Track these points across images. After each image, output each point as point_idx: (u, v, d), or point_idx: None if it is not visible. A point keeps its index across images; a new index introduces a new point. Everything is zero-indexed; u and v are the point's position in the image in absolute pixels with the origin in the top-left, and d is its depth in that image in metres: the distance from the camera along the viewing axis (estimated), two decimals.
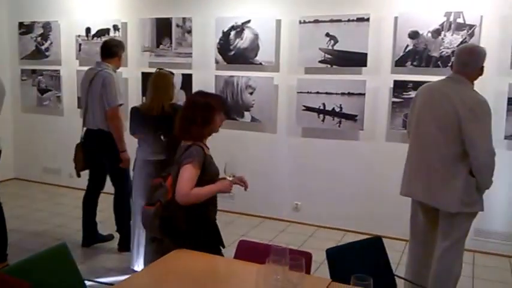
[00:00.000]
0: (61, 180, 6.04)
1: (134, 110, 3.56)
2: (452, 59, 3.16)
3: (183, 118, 2.49)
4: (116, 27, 5.47)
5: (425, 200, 2.90)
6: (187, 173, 2.31)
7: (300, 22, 4.59)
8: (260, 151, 4.96)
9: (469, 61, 2.80)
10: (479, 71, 2.83)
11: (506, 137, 3.97)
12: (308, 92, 4.64)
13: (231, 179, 2.46)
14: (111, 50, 3.99)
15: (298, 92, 4.67)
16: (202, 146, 2.45)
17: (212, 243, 2.43)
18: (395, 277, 2.41)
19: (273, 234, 4.58)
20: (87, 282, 2.26)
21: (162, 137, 3.44)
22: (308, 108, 4.66)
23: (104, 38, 5.22)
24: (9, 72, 6.23)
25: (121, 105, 3.91)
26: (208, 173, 2.41)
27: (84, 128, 4.05)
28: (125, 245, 3.99)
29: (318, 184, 4.76)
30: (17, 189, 6.05)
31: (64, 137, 5.57)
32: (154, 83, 3.48)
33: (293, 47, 4.69)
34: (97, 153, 4.02)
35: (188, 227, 2.37)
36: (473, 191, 2.75)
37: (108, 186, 4.15)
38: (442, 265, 2.86)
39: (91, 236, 4.17)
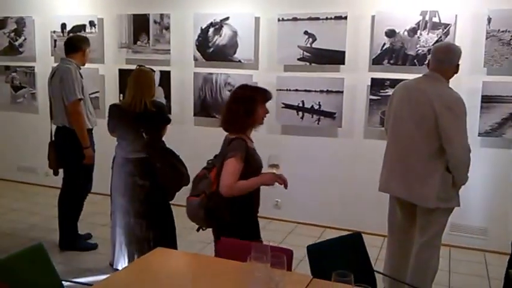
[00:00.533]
0: (37, 179, 5.92)
1: (114, 107, 3.48)
2: (429, 57, 3.21)
3: (227, 110, 2.55)
4: (92, 23, 5.38)
5: (403, 196, 2.94)
6: (231, 167, 2.39)
7: (279, 20, 4.59)
8: None
9: (445, 59, 2.85)
10: (455, 69, 2.89)
11: (480, 134, 4.06)
12: (287, 90, 4.65)
13: (274, 171, 2.50)
14: (75, 45, 3.92)
15: (277, 90, 4.67)
16: (245, 139, 2.51)
17: (253, 236, 2.47)
18: (375, 272, 2.45)
19: None
20: (65, 283, 2.23)
21: (144, 135, 3.39)
22: (287, 106, 4.68)
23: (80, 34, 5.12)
24: None
25: (81, 99, 3.80)
26: (251, 166, 2.47)
27: (55, 126, 3.99)
28: (65, 244, 4.02)
29: (298, 181, 4.76)
30: None
31: (39, 135, 5.43)
32: (136, 79, 3.38)
33: (272, 44, 4.69)
34: (65, 150, 3.95)
35: (232, 219, 2.46)
36: (450, 187, 2.81)
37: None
38: (420, 260, 2.92)
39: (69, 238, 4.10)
